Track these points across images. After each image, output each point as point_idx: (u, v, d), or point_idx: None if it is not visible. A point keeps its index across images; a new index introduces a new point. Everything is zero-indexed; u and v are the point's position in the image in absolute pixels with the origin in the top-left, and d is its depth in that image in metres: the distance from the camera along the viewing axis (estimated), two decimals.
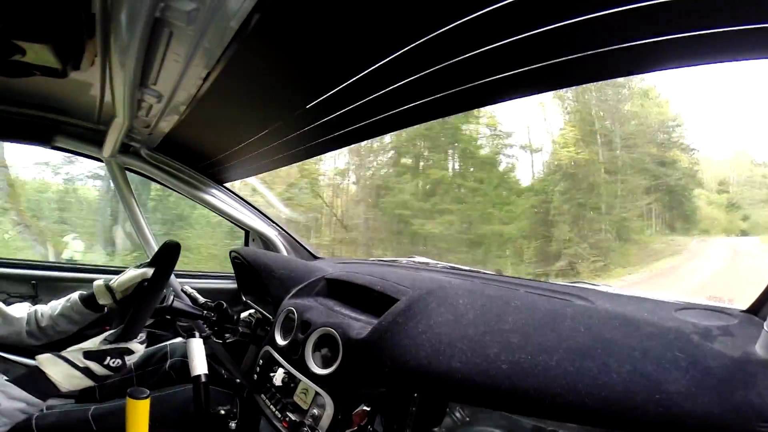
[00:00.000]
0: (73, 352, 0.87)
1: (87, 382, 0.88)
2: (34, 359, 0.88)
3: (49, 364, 0.85)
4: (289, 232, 1.76)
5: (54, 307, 1.09)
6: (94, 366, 0.87)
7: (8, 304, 1.10)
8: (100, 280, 1.10)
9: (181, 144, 1.35)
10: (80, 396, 1.16)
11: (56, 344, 1.07)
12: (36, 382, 0.83)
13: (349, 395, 0.87)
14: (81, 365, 0.86)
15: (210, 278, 1.82)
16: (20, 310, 1.06)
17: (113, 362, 0.89)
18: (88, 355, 0.88)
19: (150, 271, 1.05)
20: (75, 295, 1.10)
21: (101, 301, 1.08)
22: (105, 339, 0.92)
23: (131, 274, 1.10)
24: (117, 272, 1.63)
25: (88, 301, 1.09)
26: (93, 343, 0.90)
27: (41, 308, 1.09)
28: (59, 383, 0.84)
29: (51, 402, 1.07)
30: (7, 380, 0.82)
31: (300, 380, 0.96)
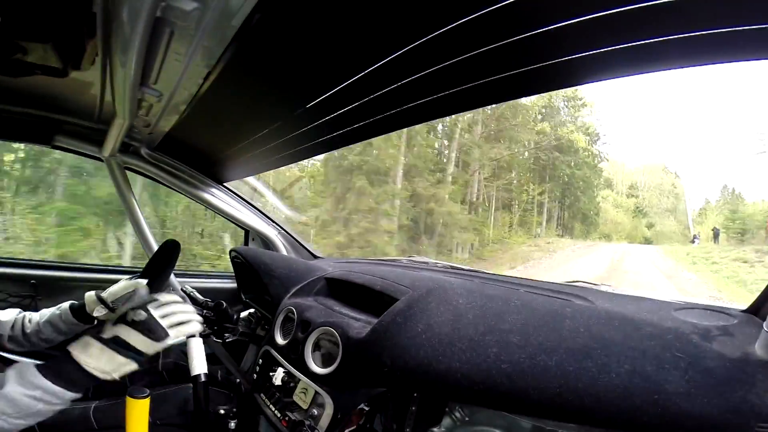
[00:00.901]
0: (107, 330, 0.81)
1: (120, 362, 0.78)
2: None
3: (76, 346, 0.77)
4: (289, 231, 1.77)
5: (43, 314, 1.06)
6: (121, 330, 0.79)
7: (7, 303, 1.09)
8: (91, 292, 1.05)
9: (182, 143, 1.35)
10: None
11: (37, 354, 1.03)
12: (67, 372, 0.75)
13: (349, 395, 0.87)
14: (106, 335, 0.78)
15: (210, 277, 1.82)
16: (7, 315, 1.04)
17: (137, 315, 0.80)
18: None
19: (143, 282, 1.01)
20: (66, 305, 1.06)
21: (94, 313, 1.03)
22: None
23: (124, 284, 1.05)
24: (114, 271, 1.64)
25: (79, 312, 1.05)
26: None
27: (30, 314, 1.06)
28: (86, 363, 0.75)
29: None
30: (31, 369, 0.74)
31: (300, 379, 0.96)
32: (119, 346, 0.77)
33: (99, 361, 0.75)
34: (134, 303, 0.83)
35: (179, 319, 0.84)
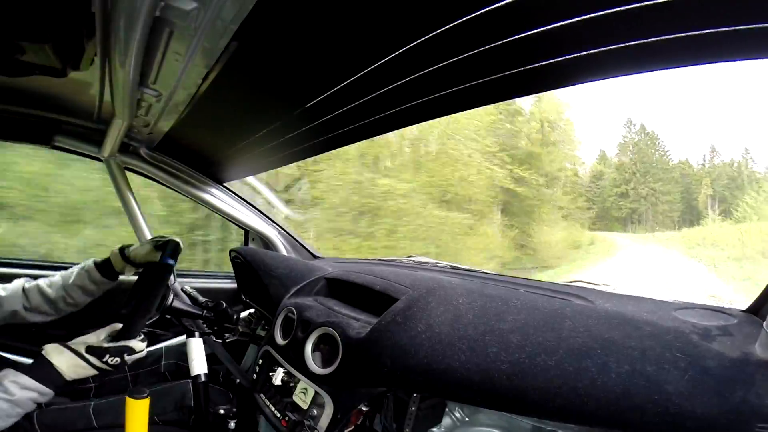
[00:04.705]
0: (77, 344, 0.91)
1: (90, 371, 0.90)
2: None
3: (54, 353, 0.88)
4: (289, 231, 1.76)
5: (65, 277, 1.08)
6: (93, 360, 0.90)
7: None
8: (116, 250, 1.11)
9: (181, 143, 1.35)
10: (75, 396, 1.16)
11: (62, 321, 1.08)
12: (43, 371, 0.86)
13: (349, 395, 0.87)
14: (84, 355, 0.90)
15: (210, 278, 1.82)
16: (10, 287, 1.05)
17: (112, 360, 0.92)
18: (89, 349, 0.90)
19: (158, 255, 1.08)
20: (89, 263, 1.10)
21: (118, 268, 1.09)
22: (108, 335, 0.94)
23: (148, 248, 1.11)
24: None
25: (103, 267, 1.09)
26: (96, 337, 0.93)
27: (43, 282, 1.07)
28: (64, 372, 0.87)
29: (50, 399, 1.07)
30: (16, 371, 0.85)
31: (299, 380, 0.96)
32: (85, 360, 0.90)
33: (72, 368, 0.88)
34: (113, 348, 0.93)
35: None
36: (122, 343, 0.93)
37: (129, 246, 1.12)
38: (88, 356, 0.90)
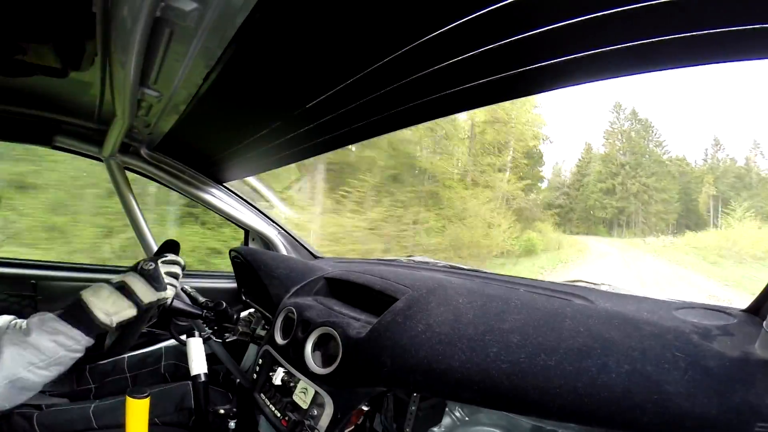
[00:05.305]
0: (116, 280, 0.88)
1: (124, 304, 0.83)
2: None
3: (87, 292, 0.83)
4: (289, 231, 1.77)
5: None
6: (129, 278, 0.86)
7: (7, 303, 1.09)
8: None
9: (181, 143, 1.35)
10: (75, 396, 1.16)
11: None
12: (73, 312, 0.80)
13: (349, 394, 0.87)
14: (115, 281, 0.86)
15: (210, 278, 1.82)
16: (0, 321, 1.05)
17: (147, 265, 0.89)
18: (126, 272, 0.89)
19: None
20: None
21: None
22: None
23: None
24: (114, 271, 1.64)
25: None
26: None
27: (21, 321, 1.07)
28: (97, 308, 0.80)
29: (50, 401, 1.07)
30: (46, 312, 0.80)
31: (299, 379, 0.96)
32: (124, 291, 0.85)
33: (105, 303, 0.82)
34: (145, 259, 0.92)
35: (177, 275, 0.95)
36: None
37: None
38: (123, 276, 0.86)
